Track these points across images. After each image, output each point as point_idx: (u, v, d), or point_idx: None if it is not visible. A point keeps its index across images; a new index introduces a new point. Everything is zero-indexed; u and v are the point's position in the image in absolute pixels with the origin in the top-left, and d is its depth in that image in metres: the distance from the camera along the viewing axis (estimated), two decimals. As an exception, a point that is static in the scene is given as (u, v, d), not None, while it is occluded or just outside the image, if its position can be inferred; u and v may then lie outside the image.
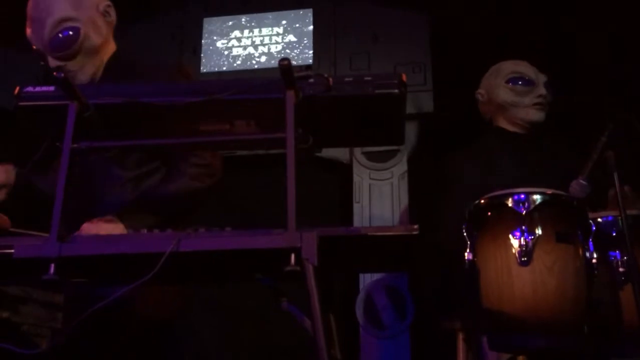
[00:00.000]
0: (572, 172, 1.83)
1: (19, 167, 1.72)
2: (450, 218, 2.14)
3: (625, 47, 3.03)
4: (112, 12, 1.83)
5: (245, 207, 3.30)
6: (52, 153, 1.58)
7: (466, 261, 1.68)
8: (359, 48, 3.47)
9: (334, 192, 3.51)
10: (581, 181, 1.69)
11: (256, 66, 3.58)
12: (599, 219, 1.79)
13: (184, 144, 1.24)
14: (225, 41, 3.65)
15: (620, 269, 1.73)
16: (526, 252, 1.55)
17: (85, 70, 1.75)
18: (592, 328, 1.64)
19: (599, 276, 1.68)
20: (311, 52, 3.52)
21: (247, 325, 3.27)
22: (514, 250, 1.58)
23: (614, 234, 1.77)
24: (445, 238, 2.14)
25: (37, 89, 1.15)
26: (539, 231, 1.59)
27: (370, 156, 3.36)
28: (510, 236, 1.59)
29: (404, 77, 1.14)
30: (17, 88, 1.16)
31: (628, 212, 1.65)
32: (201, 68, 3.58)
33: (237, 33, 3.65)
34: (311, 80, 1.14)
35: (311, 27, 3.55)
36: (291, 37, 3.58)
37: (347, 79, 1.14)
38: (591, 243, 1.68)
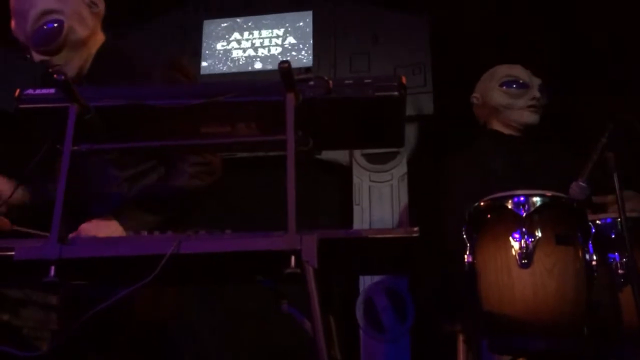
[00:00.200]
0: (568, 174, 1.83)
1: (18, 170, 1.71)
2: (449, 220, 2.14)
3: (625, 47, 3.04)
4: (100, 3, 1.75)
5: (245, 208, 3.30)
6: (53, 155, 1.58)
7: (466, 263, 1.69)
8: (358, 50, 3.47)
9: (333, 194, 3.51)
10: (581, 183, 1.69)
11: (256, 68, 3.58)
12: (598, 221, 1.80)
13: (185, 146, 1.24)
14: (225, 43, 3.65)
15: (620, 271, 1.73)
16: (526, 255, 1.56)
17: (71, 64, 1.68)
18: (591, 330, 1.64)
19: (599, 278, 1.68)
20: (311, 54, 3.52)
21: (246, 326, 3.27)
22: (514, 253, 1.59)
23: (614, 236, 1.77)
24: (445, 240, 2.15)
25: (38, 91, 1.15)
26: (539, 233, 1.59)
27: (370, 158, 3.36)
28: (510, 238, 1.59)
29: (404, 80, 1.14)
30: (18, 90, 1.16)
31: (627, 214, 1.65)
32: (201, 70, 3.58)
33: (237, 35, 3.66)
34: (311, 82, 1.15)
35: (311, 29, 3.56)
36: (291, 39, 3.59)
37: (347, 82, 1.14)
38: (591, 245, 1.68)
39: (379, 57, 3.43)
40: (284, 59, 1.07)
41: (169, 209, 1.58)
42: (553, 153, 2.39)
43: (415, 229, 1.06)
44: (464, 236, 1.72)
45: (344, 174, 3.44)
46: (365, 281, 3.26)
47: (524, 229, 1.58)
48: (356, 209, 3.37)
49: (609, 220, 1.79)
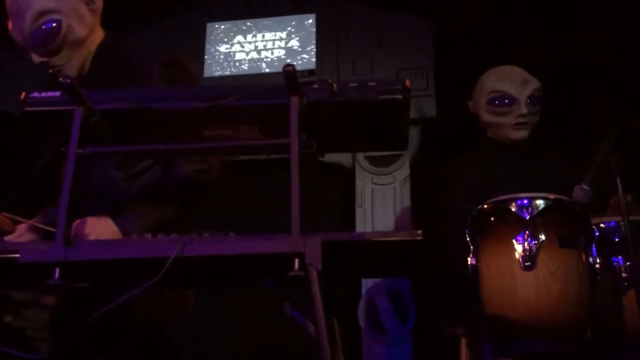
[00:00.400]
0: (568, 176, 1.83)
1: (24, 172, 1.70)
2: (450, 223, 2.15)
3: (625, 47, 3.04)
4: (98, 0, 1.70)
5: (247, 211, 3.31)
6: (58, 158, 1.58)
7: (469, 266, 1.69)
8: (361, 53, 3.48)
9: (336, 196, 3.51)
10: (584, 186, 1.69)
11: (259, 71, 3.59)
12: (602, 225, 1.80)
13: (189, 149, 1.25)
14: (229, 46, 3.66)
15: (623, 275, 1.73)
16: (530, 257, 1.56)
17: (72, 63, 1.64)
18: (595, 333, 1.64)
19: (602, 281, 1.68)
20: (314, 56, 3.53)
21: (248, 327, 3.27)
22: (517, 255, 1.59)
23: (617, 240, 1.77)
24: (446, 242, 2.15)
25: (43, 94, 1.16)
26: (542, 236, 1.59)
27: (372, 161, 3.36)
28: (514, 241, 1.59)
29: (408, 83, 1.14)
30: (23, 93, 1.16)
31: (631, 217, 1.66)
32: (204, 73, 3.59)
33: (240, 38, 3.67)
34: (315, 85, 1.15)
35: (314, 32, 3.56)
36: (294, 42, 3.59)
37: (351, 85, 1.14)
38: (594, 248, 1.68)
39: (381, 60, 3.44)
40: (289, 62, 1.07)
41: (169, 204, 1.55)
42: (553, 155, 2.39)
43: (419, 232, 1.06)
44: (467, 239, 1.72)
45: (347, 176, 3.44)
46: (367, 283, 3.26)
47: (527, 232, 1.58)
48: (359, 212, 3.37)
49: (612, 224, 1.79)
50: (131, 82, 1.50)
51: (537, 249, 1.57)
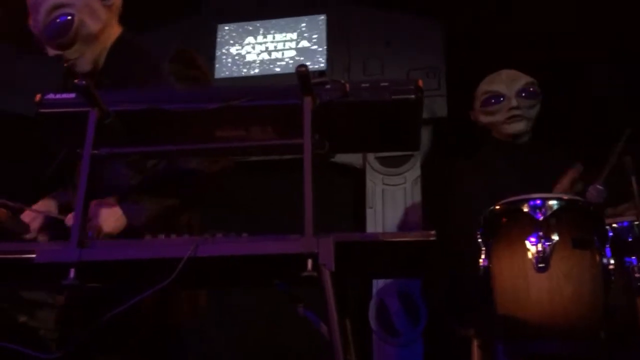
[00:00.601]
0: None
1: (38, 174, 1.71)
2: (457, 223, 2.14)
3: (628, 47, 3.02)
4: None
5: (257, 212, 3.31)
6: (72, 159, 1.59)
7: (481, 267, 1.68)
8: (372, 53, 3.48)
9: (346, 197, 3.51)
10: (598, 186, 1.68)
11: (270, 72, 3.60)
12: (615, 225, 1.78)
13: (202, 149, 1.25)
14: (239, 47, 3.67)
15: (637, 275, 1.72)
16: (543, 259, 1.55)
17: (85, 57, 1.67)
18: (608, 334, 1.63)
19: (616, 282, 1.66)
20: (325, 57, 3.53)
21: (257, 328, 3.28)
22: (530, 257, 1.58)
23: (631, 240, 1.76)
24: (453, 243, 2.14)
25: (58, 96, 1.17)
26: (555, 237, 1.58)
27: (383, 161, 3.36)
28: (526, 242, 1.58)
29: (420, 83, 1.14)
30: (39, 95, 1.17)
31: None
32: (215, 74, 3.60)
33: (251, 39, 3.68)
34: (328, 86, 1.15)
35: (325, 33, 3.57)
36: (305, 43, 3.60)
37: (363, 85, 1.14)
38: (608, 249, 1.67)
39: (392, 60, 3.43)
40: (302, 63, 1.07)
41: (174, 193, 1.54)
42: (555, 154, 2.38)
43: (432, 232, 1.05)
44: (479, 240, 1.71)
45: (357, 177, 3.44)
46: (378, 284, 3.25)
47: (540, 233, 1.57)
48: (369, 212, 3.37)
49: (626, 224, 1.78)
50: (143, 78, 1.51)
51: (551, 250, 1.55)
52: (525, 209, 1.61)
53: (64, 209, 1.69)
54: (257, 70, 3.61)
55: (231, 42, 3.68)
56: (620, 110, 2.98)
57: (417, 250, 1.12)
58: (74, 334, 1.35)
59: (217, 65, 3.63)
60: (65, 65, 1.68)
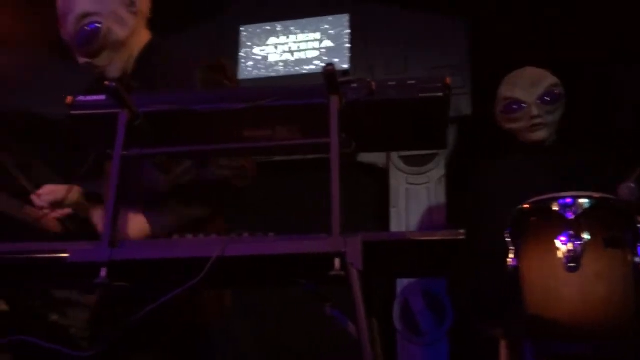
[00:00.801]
0: (600, 175, 1.78)
1: (69, 175, 1.74)
2: (484, 224, 2.12)
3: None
4: (139, 2, 1.73)
5: (274, 212, 3.32)
6: (102, 161, 1.62)
7: (510, 267, 1.66)
8: (395, 52, 3.46)
9: (369, 196, 3.50)
10: (630, 184, 1.65)
11: (293, 72, 3.61)
12: (647, 223, 1.74)
13: (229, 149, 1.26)
14: (262, 48, 3.69)
15: (669, 275, 1.68)
16: (574, 258, 1.52)
17: (114, 64, 1.69)
18: (639, 335, 1.59)
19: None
20: (348, 57, 3.53)
21: (282, 329, 3.29)
22: (561, 256, 1.55)
23: (662, 238, 1.72)
24: (481, 243, 2.12)
25: (89, 98, 1.19)
26: (586, 236, 1.56)
27: (407, 160, 3.34)
28: (557, 242, 1.56)
29: (448, 80, 1.13)
30: (70, 97, 1.20)
31: None
32: (238, 76, 3.63)
33: (274, 40, 3.69)
34: (354, 85, 1.15)
35: (348, 32, 3.56)
36: (328, 43, 3.60)
37: (390, 83, 1.14)
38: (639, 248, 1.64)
39: (416, 59, 3.41)
40: (329, 62, 1.07)
41: (201, 205, 1.57)
42: (585, 153, 2.34)
43: (461, 231, 1.05)
44: (507, 239, 1.69)
45: (381, 176, 3.43)
46: (402, 283, 3.24)
47: (571, 232, 1.54)
48: (393, 212, 3.36)
49: (658, 223, 1.74)
50: (171, 84, 1.53)
51: (582, 250, 1.53)
52: (555, 208, 1.59)
53: (90, 197, 1.72)
54: (280, 71, 3.63)
55: (254, 43, 3.70)
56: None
57: (446, 250, 1.11)
58: (105, 332, 1.37)
59: (240, 67, 3.66)
60: (95, 72, 1.71)
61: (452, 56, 3.35)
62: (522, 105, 2.32)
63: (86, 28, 1.65)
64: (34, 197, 1.68)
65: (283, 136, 1.27)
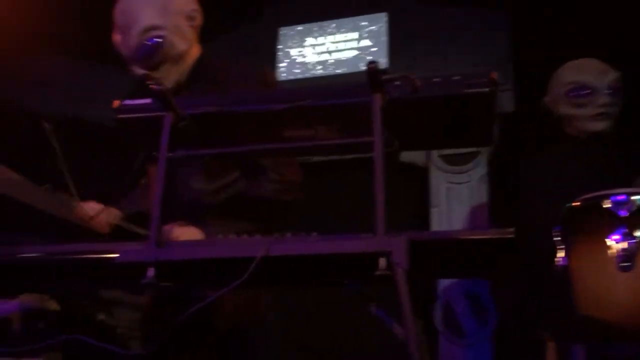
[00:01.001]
0: None
1: (115, 178, 1.78)
2: (531, 223, 2.07)
3: None
4: (198, 15, 1.77)
5: (318, 211, 3.32)
6: (146, 163, 1.65)
7: (559, 266, 1.61)
8: (434, 50, 3.43)
9: (409, 196, 3.47)
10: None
11: (331, 72, 3.61)
12: None
13: (272, 149, 1.26)
14: (301, 49, 3.70)
15: None
16: (628, 257, 1.47)
17: (170, 77, 1.71)
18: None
19: None
20: (386, 55, 3.50)
21: (321, 330, 3.29)
22: (613, 255, 1.50)
23: None
24: (527, 242, 2.07)
25: (135, 101, 1.21)
26: (640, 234, 1.50)
27: (447, 159, 3.30)
28: (610, 240, 1.51)
29: (494, 75, 1.11)
30: (117, 101, 1.22)
31: None
32: (277, 77, 3.65)
33: (311, 40, 3.70)
34: (397, 82, 1.13)
35: (386, 31, 3.54)
36: (366, 42, 3.58)
37: (435, 79, 1.12)
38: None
39: (455, 56, 3.37)
40: (371, 60, 1.06)
41: (251, 218, 1.59)
42: (634, 149, 2.25)
43: (511, 229, 1.02)
44: (557, 237, 1.64)
45: (420, 175, 3.39)
46: (443, 283, 3.20)
47: (625, 230, 1.49)
48: (433, 212, 3.32)
49: None
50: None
51: (637, 248, 1.47)
52: (607, 205, 1.53)
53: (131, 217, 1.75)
54: (318, 71, 3.63)
55: (292, 44, 3.72)
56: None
57: (494, 249, 1.09)
58: (155, 332, 1.40)
59: (279, 68, 3.68)
60: (148, 83, 1.74)
61: (494, 52, 3.29)
62: (592, 90, 2.24)
63: (150, 41, 1.68)
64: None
65: (323, 136, 1.26)
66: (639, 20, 3.01)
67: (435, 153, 3.31)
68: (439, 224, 3.28)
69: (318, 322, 3.29)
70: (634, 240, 1.49)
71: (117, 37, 1.74)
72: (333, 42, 3.64)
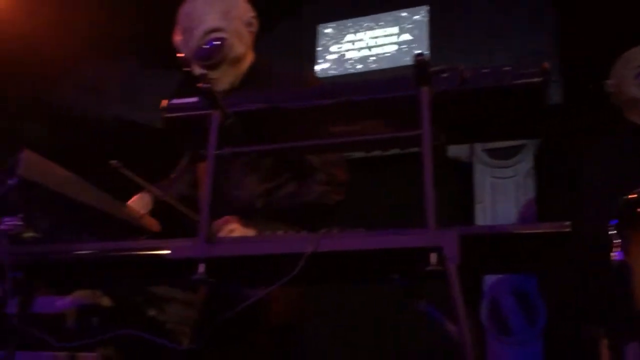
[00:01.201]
0: None
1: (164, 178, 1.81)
2: (586, 216, 2.00)
3: None
4: (256, 22, 1.84)
5: (363, 207, 3.31)
6: (193, 160, 1.68)
7: (615, 262, 1.55)
8: (478, 42, 3.36)
9: (452, 191, 3.42)
10: None
11: (370, 68, 3.59)
12: None
13: (318, 145, 1.26)
14: (340, 46, 3.69)
15: None
16: (689, 251, 1.40)
17: (225, 78, 1.77)
18: None
19: None
20: (427, 49, 3.46)
21: (369, 328, 3.27)
22: (674, 250, 1.44)
23: None
24: (581, 237, 2.00)
25: (183, 100, 1.23)
26: (703, 228, 1.43)
27: (492, 153, 3.24)
28: (669, 234, 1.45)
29: (546, 65, 1.08)
30: (165, 101, 1.24)
31: None
32: (316, 74, 3.66)
33: (351, 37, 3.69)
34: (445, 74, 1.11)
35: (427, 24, 3.50)
36: (406, 36, 3.55)
37: (483, 71, 1.10)
38: None
39: (500, 48, 3.30)
40: (419, 52, 1.04)
41: (298, 223, 1.60)
42: None
43: (567, 223, 0.99)
44: (612, 232, 1.59)
45: (464, 170, 3.34)
46: (490, 280, 3.14)
47: (686, 223, 1.43)
48: (478, 207, 3.26)
49: None
50: None
51: (698, 242, 1.41)
52: (667, 197, 1.48)
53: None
54: (357, 67, 3.62)
55: (332, 41, 3.72)
56: None
57: (548, 244, 1.06)
58: (206, 328, 1.42)
59: (318, 65, 3.68)
60: (204, 83, 1.77)
61: (539, 43, 3.21)
62: None
63: (209, 43, 1.73)
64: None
65: (368, 131, 1.25)
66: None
67: (478, 147, 3.25)
68: (484, 220, 3.22)
69: (363, 318, 3.28)
70: (697, 234, 1.43)
71: (178, 38, 1.80)
72: (372, 38, 3.61)
